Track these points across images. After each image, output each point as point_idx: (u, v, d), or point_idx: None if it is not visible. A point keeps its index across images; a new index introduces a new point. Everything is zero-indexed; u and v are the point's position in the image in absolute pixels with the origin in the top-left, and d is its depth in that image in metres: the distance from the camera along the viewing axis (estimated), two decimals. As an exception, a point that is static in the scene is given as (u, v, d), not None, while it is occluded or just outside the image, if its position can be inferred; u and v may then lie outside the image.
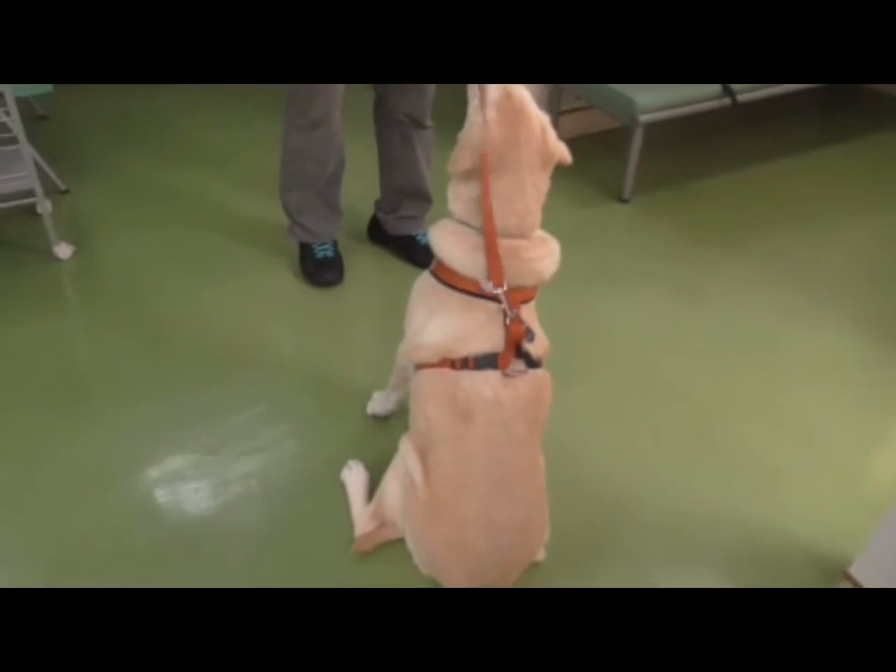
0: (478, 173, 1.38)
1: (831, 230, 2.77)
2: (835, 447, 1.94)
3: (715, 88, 2.73)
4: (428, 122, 2.31)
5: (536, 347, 1.42)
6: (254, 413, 1.95)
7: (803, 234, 2.73)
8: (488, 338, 1.40)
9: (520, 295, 1.41)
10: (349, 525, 1.65)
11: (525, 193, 1.38)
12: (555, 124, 3.14)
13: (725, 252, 2.62)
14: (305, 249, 2.41)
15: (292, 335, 2.25)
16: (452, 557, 1.46)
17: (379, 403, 1.91)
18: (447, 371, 1.42)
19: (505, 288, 1.38)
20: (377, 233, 2.57)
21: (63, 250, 2.41)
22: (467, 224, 1.43)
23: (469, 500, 1.42)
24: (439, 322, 1.46)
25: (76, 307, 2.32)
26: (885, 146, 3.33)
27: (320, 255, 2.38)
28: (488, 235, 1.38)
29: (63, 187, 2.71)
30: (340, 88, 2.11)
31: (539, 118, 1.41)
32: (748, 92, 2.79)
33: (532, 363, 1.42)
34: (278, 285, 2.39)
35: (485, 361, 1.39)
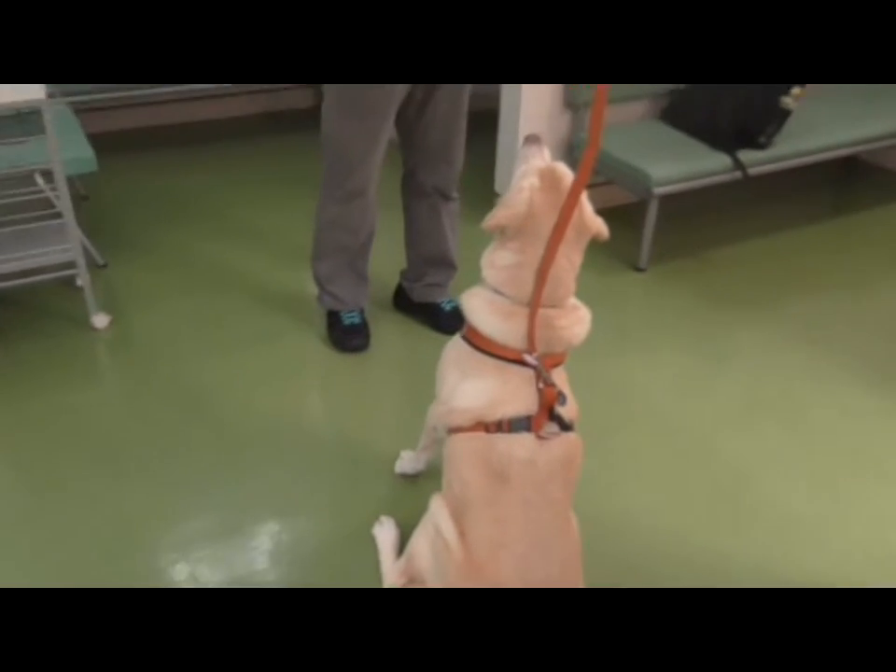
0: (512, 240, 1.42)
1: (846, 296, 2.82)
2: (868, 504, 1.95)
3: (727, 161, 2.84)
4: (455, 194, 2.42)
5: (567, 410, 1.46)
6: (285, 476, 1.99)
7: (818, 301, 2.79)
8: (522, 401, 1.43)
9: (551, 360, 1.45)
10: (379, 580, 1.67)
11: (558, 264, 1.41)
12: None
13: (741, 316, 2.67)
14: (333, 317, 2.49)
15: (321, 399, 2.32)
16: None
17: (408, 462, 1.95)
18: (482, 435, 1.45)
19: (537, 354, 1.43)
20: (402, 301, 2.64)
21: (101, 320, 2.50)
22: (499, 292, 1.46)
23: (507, 560, 1.42)
24: (473, 385, 1.49)
25: (112, 374, 2.40)
26: (886, 215, 3.42)
27: (347, 322, 2.46)
28: (534, 303, 1.41)
29: (101, 261, 2.82)
30: (379, 159, 2.21)
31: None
32: (758, 166, 2.89)
33: (564, 426, 1.44)
34: (308, 351, 2.46)
35: (519, 424, 1.42)
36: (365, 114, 2.12)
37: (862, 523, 1.89)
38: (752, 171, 2.87)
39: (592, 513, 1.70)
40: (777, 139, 2.92)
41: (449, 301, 2.53)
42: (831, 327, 2.64)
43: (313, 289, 2.53)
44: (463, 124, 2.28)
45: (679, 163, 2.80)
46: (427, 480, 1.92)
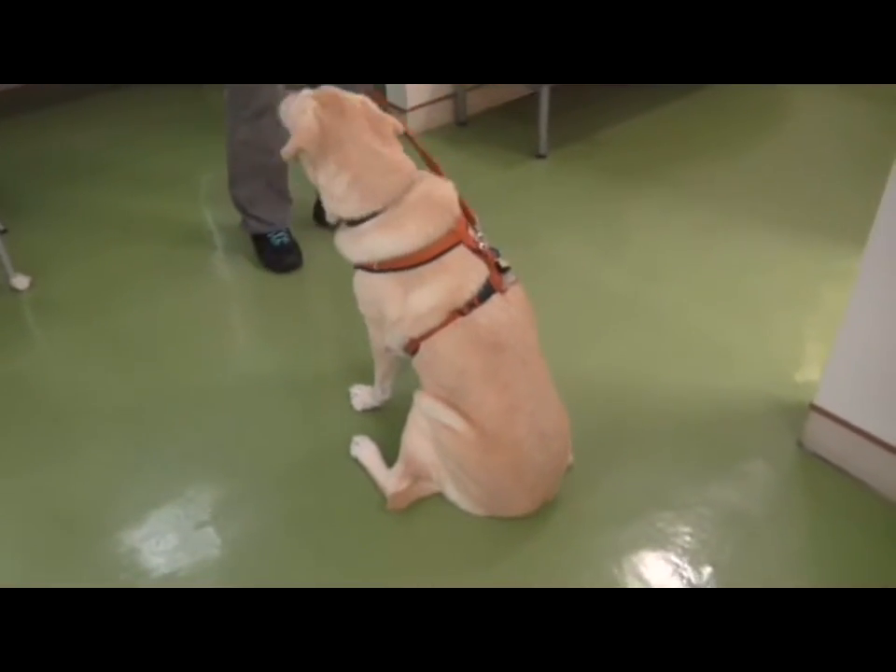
0: (324, 161, 1.51)
1: (724, 156, 3.08)
2: (777, 317, 2.22)
3: (605, 43, 2.99)
4: None
5: (503, 259, 1.56)
6: (240, 414, 2.00)
7: (701, 164, 3.03)
8: (473, 273, 1.51)
9: (462, 224, 1.53)
10: (368, 496, 1.72)
11: (380, 152, 1.50)
12: (463, 102, 3.34)
13: (636, 187, 2.88)
14: (261, 240, 2.50)
15: (263, 329, 2.34)
16: (513, 478, 1.57)
17: (371, 395, 1.92)
18: (461, 320, 1.50)
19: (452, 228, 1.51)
20: (323, 215, 2.64)
21: (21, 281, 2.44)
22: (369, 213, 1.51)
23: (521, 419, 1.53)
24: (425, 291, 1.51)
25: (45, 335, 2.35)
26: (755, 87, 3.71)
27: (277, 242, 2.47)
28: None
29: (1, 227, 2.71)
30: None
31: (356, 96, 1.55)
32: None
33: (508, 272, 1.55)
34: (241, 279, 2.49)
35: (485, 291, 1.50)
36: None
37: (780, 341, 2.15)
38: (629, 49, 3.04)
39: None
40: (646, 17, 3.08)
41: None
42: (713, 184, 2.88)
43: (233, 219, 2.53)
44: None
45: (563, 49, 2.93)
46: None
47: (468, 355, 1.52)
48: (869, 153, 2.96)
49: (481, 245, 1.53)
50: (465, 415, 1.54)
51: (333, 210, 1.58)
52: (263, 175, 2.38)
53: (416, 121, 3.22)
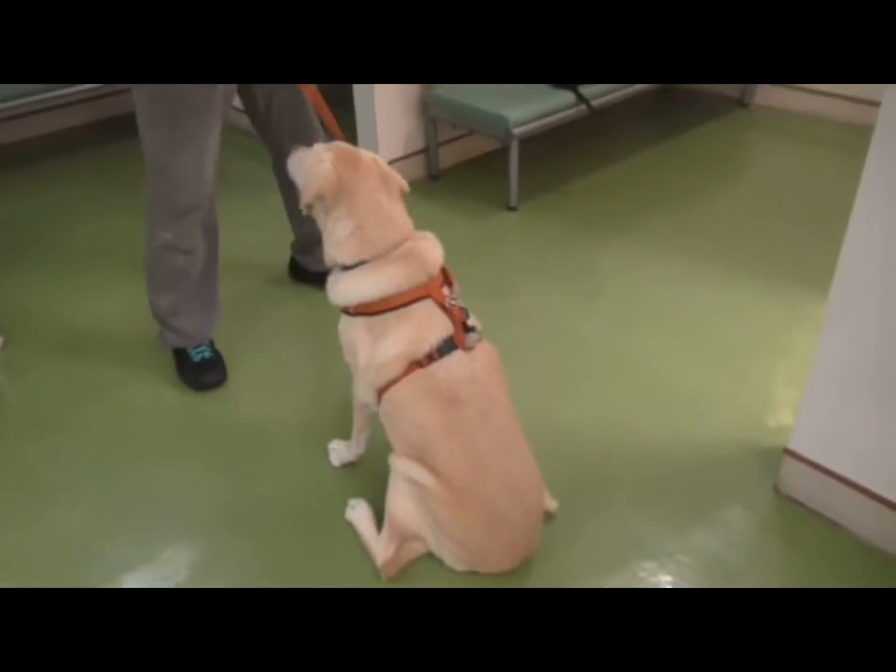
0: (335, 209, 1.58)
1: (689, 205, 3.16)
2: (749, 363, 2.25)
3: (571, 97, 3.08)
4: None
5: (473, 320, 1.60)
6: (212, 470, 2.02)
7: (669, 213, 3.10)
8: (437, 328, 1.55)
9: (436, 283, 1.58)
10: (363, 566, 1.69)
11: (385, 207, 1.59)
12: (435, 156, 3.41)
13: (606, 237, 2.94)
14: (180, 355, 2.26)
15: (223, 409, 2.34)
16: (489, 535, 1.57)
17: (346, 450, 1.93)
18: (419, 372, 1.54)
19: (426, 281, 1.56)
20: (300, 273, 2.64)
21: (-8, 341, 2.42)
22: (359, 262, 1.59)
23: (490, 475, 1.54)
24: (389, 340, 1.57)
25: (11, 396, 2.31)
26: (711, 132, 3.83)
27: (197, 358, 2.24)
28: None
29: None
30: (210, 175, 2.04)
31: (369, 153, 1.65)
32: (599, 98, 3.16)
33: (476, 332, 1.59)
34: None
35: (446, 346, 1.54)
36: (183, 119, 1.90)
37: (752, 387, 2.18)
38: (595, 102, 3.14)
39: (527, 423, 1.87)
40: (610, 73, 3.19)
41: None
42: (680, 233, 2.94)
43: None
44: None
45: (531, 104, 3.01)
46: (367, 462, 1.94)
47: (426, 408, 1.55)
48: (829, 199, 3.06)
49: (449, 303, 1.57)
50: (435, 473, 1.55)
51: (332, 254, 1.64)
52: (187, 280, 2.17)
53: (389, 176, 3.26)
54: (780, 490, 1.82)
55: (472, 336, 1.58)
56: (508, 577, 1.63)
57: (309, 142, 2.12)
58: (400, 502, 1.62)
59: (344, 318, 1.66)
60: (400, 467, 1.60)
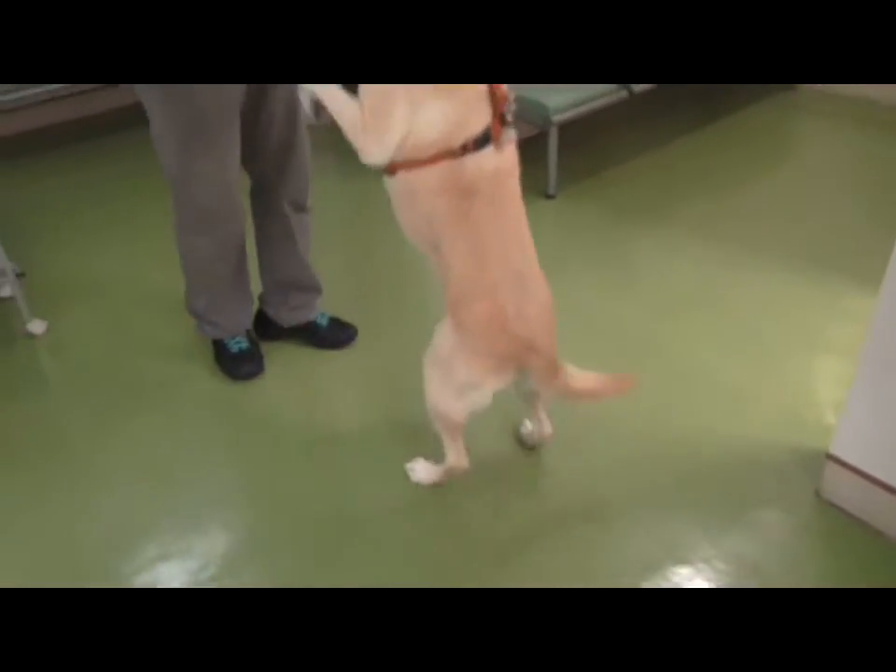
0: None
1: (732, 192, 3.09)
2: (791, 359, 2.20)
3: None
4: (310, 202, 2.20)
5: (511, 112, 1.52)
6: (251, 470, 2.04)
7: (711, 199, 3.04)
8: (480, 115, 1.47)
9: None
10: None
11: None
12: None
13: (645, 224, 2.89)
14: (218, 345, 2.28)
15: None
16: (498, 325, 1.55)
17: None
18: (449, 163, 1.46)
19: None
20: (270, 330, 2.36)
21: (38, 326, 2.46)
22: None
23: (493, 260, 1.53)
24: (430, 115, 1.45)
25: (58, 381, 2.36)
26: (757, 116, 3.73)
27: (235, 349, 2.25)
28: None
29: (18, 270, 2.74)
30: (233, 179, 1.98)
31: None
32: (640, 83, 3.09)
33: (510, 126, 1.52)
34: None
35: (483, 138, 1.47)
36: (204, 127, 1.85)
37: (794, 384, 2.13)
38: (636, 88, 3.07)
39: (561, 414, 1.86)
40: (654, 56, 3.12)
41: (322, 315, 2.35)
42: (721, 221, 2.89)
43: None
44: (303, 123, 2.06)
45: (572, 90, 2.96)
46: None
47: (441, 200, 1.50)
48: (880, 187, 2.97)
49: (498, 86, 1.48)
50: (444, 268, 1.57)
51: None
52: (222, 282, 2.16)
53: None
54: (822, 495, 1.79)
55: (510, 132, 1.52)
56: (533, 572, 1.63)
57: (299, 164, 2.08)
58: (436, 393, 1.66)
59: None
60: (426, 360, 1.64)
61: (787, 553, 1.69)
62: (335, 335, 2.35)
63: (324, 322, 2.35)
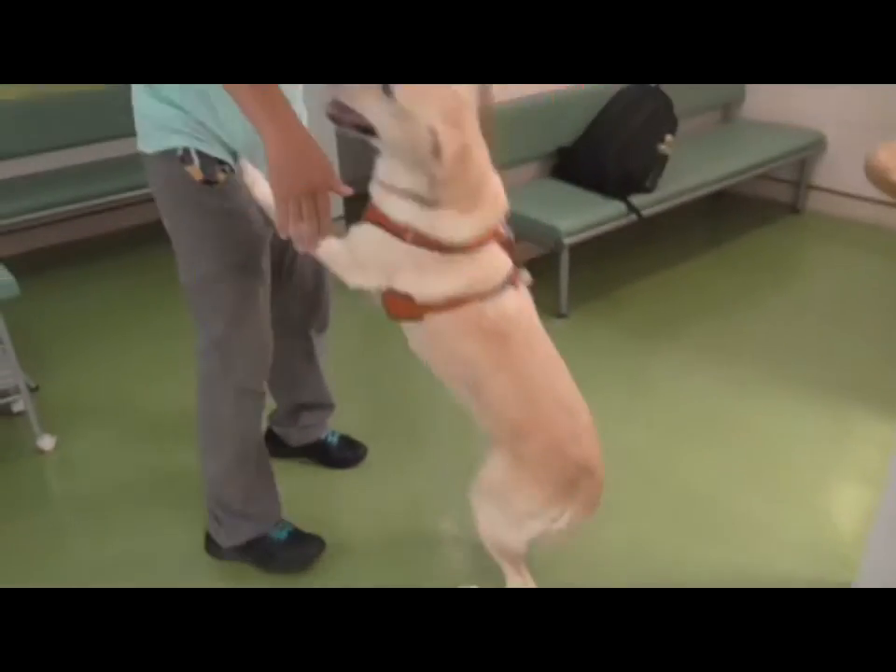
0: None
1: (739, 314, 3.12)
2: (813, 488, 2.15)
3: (622, 207, 3.11)
4: (328, 320, 2.11)
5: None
6: None
7: (719, 319, 3.07)
8: (500, 267, 1.50)
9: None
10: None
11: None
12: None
13: (656, 346, 2.91)
14: (262, 543, 1.91)
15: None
16: (559, 456, 1.54)
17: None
18: (467, 307, 1.45)
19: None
20: (278, 448, 2.18)
21: (47, 442, 2.45)
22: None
23: (545, 400, 1.54)
24: (445, 278, 1.45)
25: (61, 497, 2.34)
26: (763, 238, 3.82)
27: (285, 536, 1.93)
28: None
29: (32, 384, 2.77)
30: (266, 305, 1.76)
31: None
32: (649, 207, 3.18)
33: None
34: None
35: (504, 283, 1.49)
36: (256, 265, 1.67)
37: (817, 515, 2.07)
38: (645, 212, 3.15)
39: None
40: (660, 182, 3.23)
41: (332, 433, 2.28)
42: (731, 343, 2.90)
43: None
44: None
45: (582, 214, 3.04)
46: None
47: (471, 342, 1.48)
48: (887, 310, 2.99)
49: (507, 236, 1.52)
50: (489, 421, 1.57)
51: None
52: (263, 457, 1.90)
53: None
54: (849, 631, 1.70)
55: (524, 274, 1.55)
56: None
57: (321, 284, 1.97)
58: (493, 525, 1.63)
59: (375, 230, 1.46)
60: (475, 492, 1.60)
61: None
62: (345, 451, 2.31)
63: (334, 441, 2.30)
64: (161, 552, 2.05)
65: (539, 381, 1.54)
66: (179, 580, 1.95)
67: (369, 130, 1.40)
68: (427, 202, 1.40)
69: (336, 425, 2.33)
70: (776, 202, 4.10)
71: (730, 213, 4.13)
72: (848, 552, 1.88)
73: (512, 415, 1.53)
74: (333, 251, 1.50)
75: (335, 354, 2.29)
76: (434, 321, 1.48)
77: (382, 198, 1.46)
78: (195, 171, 1.56)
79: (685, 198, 3.38)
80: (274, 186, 1.38)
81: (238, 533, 1.90)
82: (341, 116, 1.40)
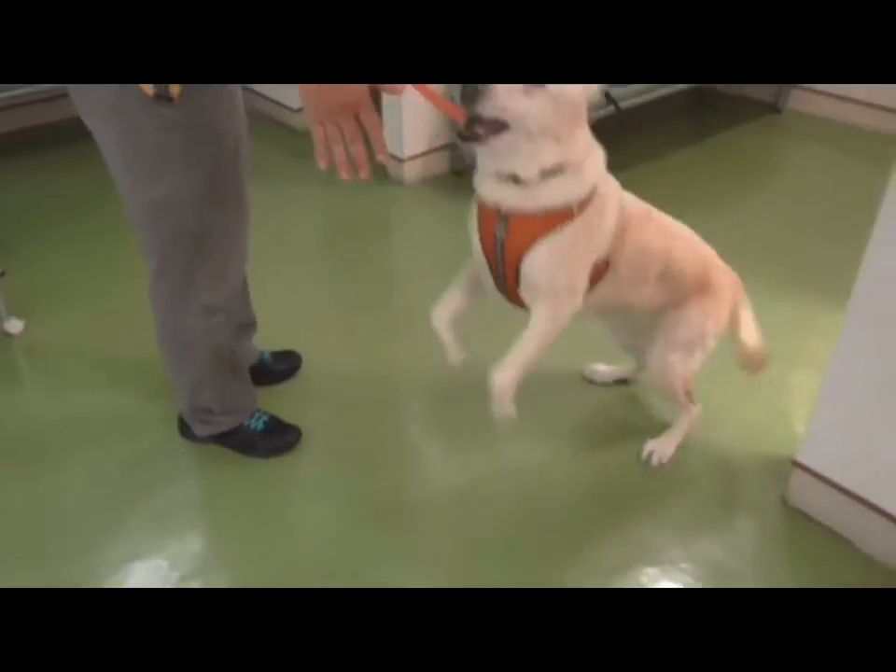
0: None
1: (713, 209, 3.12)
2: (763, 374, 2.19)
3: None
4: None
5: None
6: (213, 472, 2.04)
7: (692, 215, 3.04)
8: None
9: None
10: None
11: None
12: (459, 151, 3.36)
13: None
14: (240, 433, 1.94)
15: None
16: (729, 280, 1.93)
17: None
18: (628, 218, 1.67)
19: None
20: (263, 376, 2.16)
21: (14, 325, 2.45)
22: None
23: (697, 244, 1.91)
24: (608, 214, 1.62)
25: (30, 380, 2.36)
26: (741, 138, 3.79)
27: (261, 425, 1.96)
28: None
29: (-1, 269, 2.74)
30: (248, 231, 1.74)
31: None
32: (628, 99, 3.14)
33: None
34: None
35: None
36: (212, 166, 1.57)
37: (764, 395, 2.15)
38: (623, 104, 3.11)
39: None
40: (639, 73, 3.16)
41: (264, 352, 2.21)
42: (704, 238, 2.89)
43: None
44: None
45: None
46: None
47: (648, 234, 1.72)
48: (854, 208, 3.01)
49: None
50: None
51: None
52: (225, 362, 1.83)
53: (413, 171, 3.28)
54: (788, 502, 1.80)
55: None
56: (503, 575, 1.63)
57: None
58: (684, 371, 1.84)
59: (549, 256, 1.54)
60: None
61: (753, 557, 1.71)
62: (280, 366, 2.24)
63: (269, 358, 2.22)
64: (138, 416, 2.10)
65: (685, 233, 1.83)
66: (158, 459, 2.00)
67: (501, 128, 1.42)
68: (572, 165, 1.51)
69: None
70: (756, 99, 4.05)
71: (710, 110, 4.07)
72: (797, 430, 1.97)
73: (695, 269, 1.78)
74: (551, 316, 1.61)
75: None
76: (621, 251, 1.64)
77: (535, 193, 1.49)
78: (145, 86, 1.41)
79: (665, 90, 3.32)
80: (307, 108, 1.33)
81: (215, 426, 1.92)
82: (474, 131, 1.44)
